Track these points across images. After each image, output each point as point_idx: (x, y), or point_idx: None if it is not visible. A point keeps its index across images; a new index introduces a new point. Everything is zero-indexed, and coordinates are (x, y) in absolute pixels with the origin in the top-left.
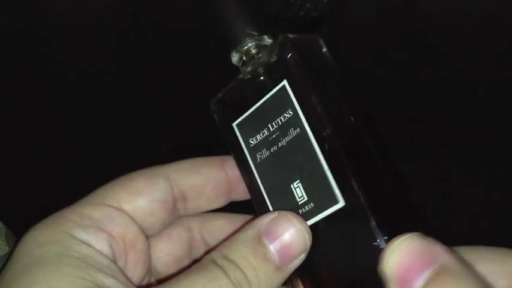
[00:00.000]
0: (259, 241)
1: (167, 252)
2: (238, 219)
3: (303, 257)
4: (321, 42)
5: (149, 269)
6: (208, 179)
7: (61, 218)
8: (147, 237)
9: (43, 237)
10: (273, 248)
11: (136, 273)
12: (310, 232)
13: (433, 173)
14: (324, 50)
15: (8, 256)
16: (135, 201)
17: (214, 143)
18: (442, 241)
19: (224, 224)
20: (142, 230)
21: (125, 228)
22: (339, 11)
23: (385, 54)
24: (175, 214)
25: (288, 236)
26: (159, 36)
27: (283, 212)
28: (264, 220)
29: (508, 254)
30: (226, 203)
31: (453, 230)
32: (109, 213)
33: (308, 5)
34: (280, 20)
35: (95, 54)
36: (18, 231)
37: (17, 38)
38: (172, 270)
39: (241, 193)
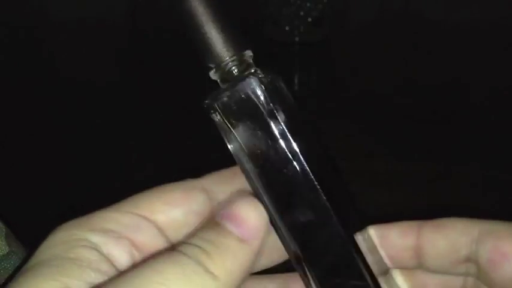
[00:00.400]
0: (213, 221)
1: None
2: None
3: (264, 227)
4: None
5: None
6: (243, 191)
7: (86, 221)
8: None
9: (57, 239)
10: (229, 223)
11: None
12: (263, 206)
13: (433, 173)
14: (262, 95)
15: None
16: (171, 212)
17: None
18: None
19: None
20: (172, 244)
21: (150, 239)
22: (340, 11)
23: (386, 54)
24: None
25: (241, 209)
26: (159, 40)
27: (233, 196)
28: (218, 207)
29: None
30: None
31: None
32: (137, 222)
33: (308, 5)
34: (279, 20)
35: (101, 64)
36: (18, 231)
37: (17, 41)
38: None
39: None
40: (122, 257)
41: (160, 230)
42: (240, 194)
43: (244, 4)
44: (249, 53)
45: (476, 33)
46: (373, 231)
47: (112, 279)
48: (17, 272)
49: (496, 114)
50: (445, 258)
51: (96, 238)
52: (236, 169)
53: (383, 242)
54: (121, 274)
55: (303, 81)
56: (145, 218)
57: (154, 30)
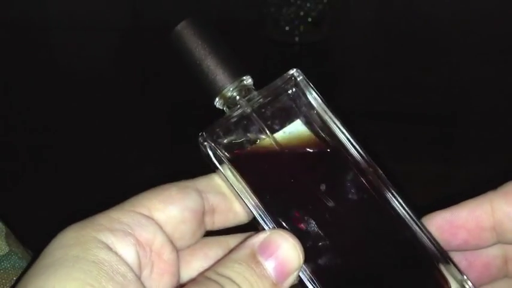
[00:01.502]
0: (254, 259)
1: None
2: None
3: (297, 273)
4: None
5: (178, 282)
6: (234, 200)
7: (91, 221)
8: (176, 249)
9: (68, 240)
10: (268, 265)
11: (162, 283)
12: (302, 248)
13: (433, 173)
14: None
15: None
16: (167, 209)
17: None
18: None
19: None
20: (171, 241)
21: (152, 235)
22: (340, 12)
23: (386, 54)
24: (203, 227)
25: (282, 252)
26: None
27: (275, 230)
28: (257, 238)
29: None
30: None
31: None
32: (138, 219)
33: (308, 5)
34: (279, 20)
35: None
36: (18, 231)
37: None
38: None
39: None
40: (130, 255)
41: (160, 226)
42: (278, 230)
43: (244, 4)
44: (248, 79)
45: (477, 33)
46: (432, 221)
47: None
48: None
49: (498, 115)
50: None
51: (105, 238)
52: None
53: (451, 228)
54: None
55: None
56: (144, 215)
57: (154, 30)
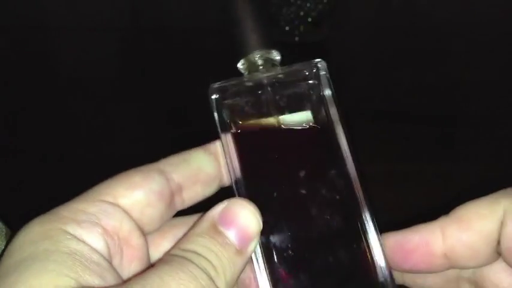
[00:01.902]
0: (215, 230)
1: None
2: None
3: (257, 237)
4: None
5: (148, 265)
6: (199, 168)
7: (56, 214)
8: (144, 234)
9: (35, 234)
10: (229, 233)
11: (132, 270)
12: (260, 215)
13: (433, 173)
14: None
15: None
16: (132, 194)
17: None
18: None
19: None
20: (138, 226)
21: (119, 223)
22: (340, 12)
23: (385, 54)
24: (173, 209)
25: (242, 219)
26: (159, 37)
27: (232, 199)
28: (216, 210)
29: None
30: (219, 188)
31: None
32: (104, 208)
33: (308, 5)
34: (279, 20)
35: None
36: (18, 231)
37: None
38: None
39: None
40: (99, 245)
41: (126, 212)
42: (235, 199)
43: None
44: (278, 55)
45: (478, 33)
46: (385, 240)
47: (129, 284)
48: None
49: (499, 115)
50: (479, 254)
51: (72, 230)
52: (189, 152)
53: (402, 252)
54: (137, 277)
55: None
56: (110, 203)
57: (154, 30)
